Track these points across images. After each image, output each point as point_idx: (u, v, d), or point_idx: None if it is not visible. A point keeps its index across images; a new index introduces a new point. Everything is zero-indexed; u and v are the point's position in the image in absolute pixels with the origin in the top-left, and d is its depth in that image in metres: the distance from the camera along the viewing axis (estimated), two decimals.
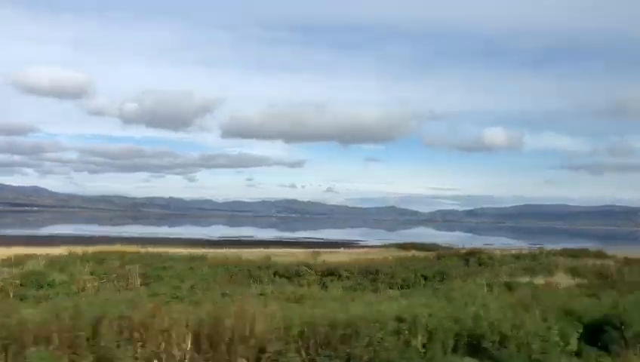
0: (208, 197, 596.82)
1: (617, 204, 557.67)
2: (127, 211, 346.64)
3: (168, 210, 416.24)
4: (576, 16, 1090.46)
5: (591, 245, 61.05)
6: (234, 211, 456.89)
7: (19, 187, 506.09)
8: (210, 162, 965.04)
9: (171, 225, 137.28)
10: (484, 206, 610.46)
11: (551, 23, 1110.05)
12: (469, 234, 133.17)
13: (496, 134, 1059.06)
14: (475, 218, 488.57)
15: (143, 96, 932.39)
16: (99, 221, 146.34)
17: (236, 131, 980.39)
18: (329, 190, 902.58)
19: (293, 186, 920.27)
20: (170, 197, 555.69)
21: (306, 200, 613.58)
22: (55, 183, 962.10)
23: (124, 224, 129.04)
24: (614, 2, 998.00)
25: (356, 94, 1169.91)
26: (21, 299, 14.41)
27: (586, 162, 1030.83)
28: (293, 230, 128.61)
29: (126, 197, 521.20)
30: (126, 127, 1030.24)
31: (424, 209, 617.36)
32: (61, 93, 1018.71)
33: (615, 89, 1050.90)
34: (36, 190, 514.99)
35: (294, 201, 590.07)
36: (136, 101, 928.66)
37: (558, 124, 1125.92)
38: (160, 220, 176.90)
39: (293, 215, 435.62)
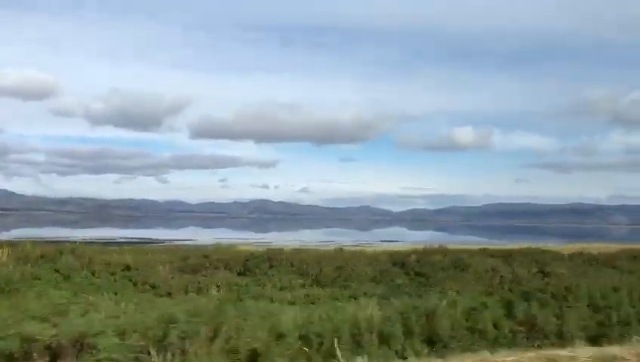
0: (181, 199, 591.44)
1: (585, 202, 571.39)
2: (95, 213, 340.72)
3: (139, 212, 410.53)
4: (546, 17, 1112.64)
5: (553, 242, 62.11)
6: (207, 212, 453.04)
7: None
8: (182, 163, 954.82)
9: (125, 226, 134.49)
10: (455, 205, 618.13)
11: (522, 24, 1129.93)
12: (439, 233, 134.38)
13: (467, 134, 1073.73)
14: (446, 217, 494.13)
15: (111, 96, 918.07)
16: (60, 223, 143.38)
17: (208, 131, 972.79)
18: (303, 190, 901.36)
19: (266, 187, 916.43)
20: (142, 199, 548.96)
21: (279, 200, 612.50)
22: (21, 185, 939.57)
23: (81, 227, 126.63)
24: (583, 4, 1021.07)
25: (331, 95, 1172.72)
26: None
27: (554, 161, 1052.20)
28: (265, 230, 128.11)
29: (96, 199, 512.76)
30: (94, 127, 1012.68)
31: (397, 208, 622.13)
32: (26, 94, 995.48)
33: (583, 89, 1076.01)
34: (2, 193, 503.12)
35: (267, 202, 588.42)
36: (104, 101, 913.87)
37: (528, 124, 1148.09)
38: (122, 222, 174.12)
39: (266, 215, 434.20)
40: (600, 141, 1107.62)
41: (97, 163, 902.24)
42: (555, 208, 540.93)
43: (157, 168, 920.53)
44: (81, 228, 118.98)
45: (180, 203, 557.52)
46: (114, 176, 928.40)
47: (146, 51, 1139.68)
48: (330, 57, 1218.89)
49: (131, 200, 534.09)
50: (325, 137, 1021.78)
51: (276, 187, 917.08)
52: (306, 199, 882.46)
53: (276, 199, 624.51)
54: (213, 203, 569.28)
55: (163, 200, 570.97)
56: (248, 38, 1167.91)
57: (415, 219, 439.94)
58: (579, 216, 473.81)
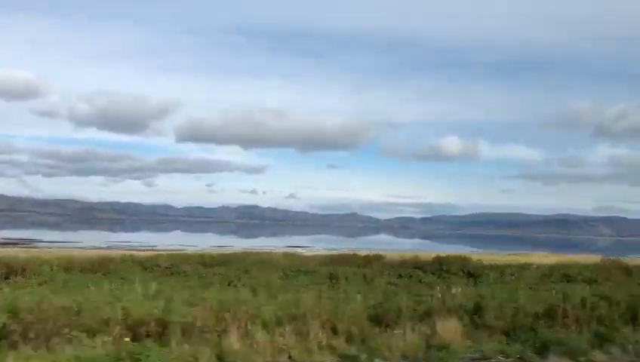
0: (167, 203, 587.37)
1: (570, 213, 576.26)
2: (78, 216, 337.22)
3: (124, 215, 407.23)
4: (534, 29, 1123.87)
5: (530, 251, 62.33)
6: (193, 217, 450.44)
7: None
8: (168, 166, 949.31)
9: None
10: (442, 214, 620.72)
11: (510, 36, 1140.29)
12: (425, 241, 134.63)
13: (453, 144, 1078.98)
14: (432, 226, 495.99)
15: (96, 98, 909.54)
16: (40, 226, 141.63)
17: (194, 135, 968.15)
18: (291, 196, 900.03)
19: (254, 192, 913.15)
20: (128, 202, 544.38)
21: (267, 206, 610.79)
22: (5, 186, 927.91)
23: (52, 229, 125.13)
24: (570, 18, 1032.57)
25: (318, 101, 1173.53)
26: None
27: (540, 172, 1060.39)
28: (251, 235, 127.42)
29: (80, 202, 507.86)
30: (78, 129, 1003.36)
31: (384, 216, 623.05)
32: (10, 94, 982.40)
33: (569, 101, 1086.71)
34: None
35: (255, 207, 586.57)
36: (88, 102, 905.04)
37: (514, 135, 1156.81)
38: (95, 225, 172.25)
39: (254, 221, 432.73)
40: (585, 153, 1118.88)
41: (82, 165, 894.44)
42: (541, 219, 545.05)
43: (143, 171, 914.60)
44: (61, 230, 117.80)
45: (166, 207, 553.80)
46: (99, 179, 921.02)
47: (132, 54, 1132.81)
48: (318, 64, 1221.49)
49: (116, 203, 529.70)
50: (312, 144, 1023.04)
51: (264, 192, 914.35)
52: (295, 205, 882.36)
53: (264, 205, 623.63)
54: (200, 207, 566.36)
55: (149, 203, 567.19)
56: (236, 42, 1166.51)
57: (401, 226, 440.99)
58: (564, 228, 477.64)
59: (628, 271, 20.86)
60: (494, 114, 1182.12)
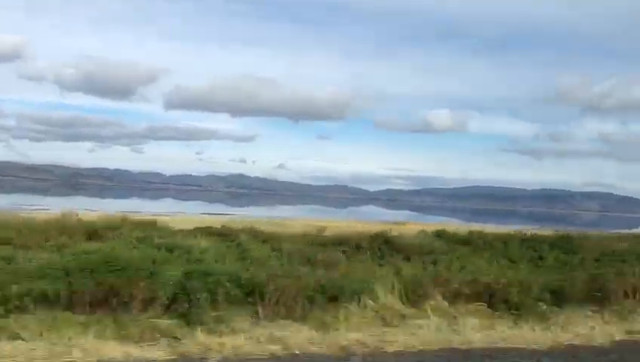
0: (156, 170, 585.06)
1: (557, 188, 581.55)
2: (65, 181, 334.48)
3: (112, 182, 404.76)
4: (527, 3, 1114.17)
5: (520, 225, 62.35)
6: (182, 185, 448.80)
7: None
8: (157, 134, 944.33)
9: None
10: (432, 186, 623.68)
11: (504, 9, 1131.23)
12: (414, 213, 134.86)
13: (444, 116, 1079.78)
14: (422, 198, 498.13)
15: (83, 63, 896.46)
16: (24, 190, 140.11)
17: (183, 103, 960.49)
18: (280, 166, 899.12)
19: (243, 161, 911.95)
20: (116, 169, 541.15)
21: (256, 175, 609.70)
22: None
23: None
24: None
25: (310, 71, 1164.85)
26: None
27: (529, 146, 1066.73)
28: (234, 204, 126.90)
29: (68, 168, 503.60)
30: (65, 93, 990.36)
31: (374, 188, 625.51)
32: None
33: (559, 76, 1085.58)
34: None
35: (244, 176, 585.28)
36: (75, 67, 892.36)
37: (504, 109, 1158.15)
38: (79, 191, 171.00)
39: (242, 190, 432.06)
40: (574, 128, 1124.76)
41: (70, 130, 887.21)
42: (528, 193, 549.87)
43: (131, 138, 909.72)
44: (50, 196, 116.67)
45: (155, 174, 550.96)
46: (88, 145, 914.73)
47: (121, 20, 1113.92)
48: (311, 33, 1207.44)
49: (105, 169, 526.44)
50: (302, 113, 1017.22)
51: (254, 162, 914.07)
52: (284, 175, 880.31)
53: (253, 174, 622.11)
54: (189, 175, 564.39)
55: (137, 170, 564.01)
56: (228, 9, 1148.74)
57: (390, 199, 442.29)
58: (551, 202, 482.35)
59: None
60: (486, 87, 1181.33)
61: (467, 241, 19.37)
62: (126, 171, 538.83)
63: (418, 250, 15.74)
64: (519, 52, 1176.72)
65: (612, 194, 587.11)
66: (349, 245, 16.06)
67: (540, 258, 15.75)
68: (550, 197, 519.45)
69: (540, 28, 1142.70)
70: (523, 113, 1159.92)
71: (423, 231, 22.53)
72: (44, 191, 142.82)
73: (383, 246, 16.52)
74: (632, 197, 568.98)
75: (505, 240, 19.67)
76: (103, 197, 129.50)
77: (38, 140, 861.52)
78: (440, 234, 21.45)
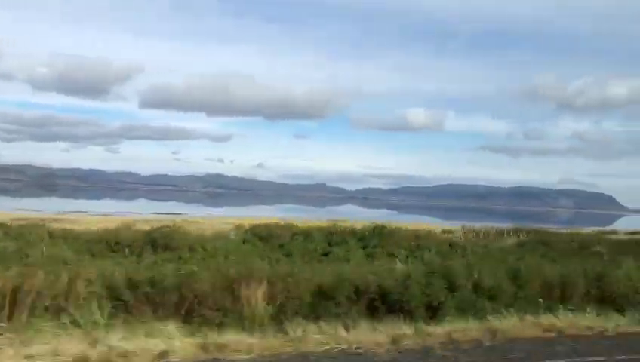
0: (132, 170, 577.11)
1: (533, 185, 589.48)
2: (39, 182, 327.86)
3: (86, 183, 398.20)
4: (505, 4, 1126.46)
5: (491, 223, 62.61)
6: (158, 185, 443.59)
7: None
8: (132, 133, 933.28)
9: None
10: (408, 185, 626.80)
11: (482, 10, 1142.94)
12: (392, 212, 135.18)
13: (421, 115, 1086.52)
14: (399, 196, 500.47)
15: (55, 61, 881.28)
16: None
17: (158, 102, 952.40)
18: (259, 166, 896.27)
19: (220, 161, 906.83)
20: (91, 169, 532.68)
21: (234, 175, 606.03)
22: None
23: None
24: None
25: (287, 70, 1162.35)
26: None
27: (504, 144, 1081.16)
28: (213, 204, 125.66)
29: (41, 168, 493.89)
30: (38, 93, 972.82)
31: (352, 187, 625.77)
32: None
33: (534, 76, 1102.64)
34: None
35: (222, 176, 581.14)
36: (48, 66, 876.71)
37: (481, 108, 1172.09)
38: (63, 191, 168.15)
39: (220, 190, 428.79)
40: (549, 126, 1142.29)
41: (43, 130, 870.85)
42: (503, 190, 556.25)
43: (106, 138, 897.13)
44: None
45: (130, 174, 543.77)
46: (61, 145, 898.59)
47: (96, 16, 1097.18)
48: (290, 31, 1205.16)
49: (79, 169, 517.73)
50: (279, 112, 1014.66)
51: (231, 161, 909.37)
52: (262, 175, 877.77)
53: (231, 174, 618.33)
54: (165, 175, 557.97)
55: (112, 170, 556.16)
56: (205, 7, 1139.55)
57: (368, 197, 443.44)
58: (526, 199, 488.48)
59: None
60: (462, 86, 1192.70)
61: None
62: (100, 171, 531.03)
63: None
64: (496, 51, 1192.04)
65: (585, 191, 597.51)
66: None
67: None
68: (525, 194, 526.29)
69: (516, 27, 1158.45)
70: (499, 111, 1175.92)
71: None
72: (16, 193, 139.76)
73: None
74: (603, 194, 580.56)
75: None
76: (76, 197, 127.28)
77: (10, 140, 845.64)
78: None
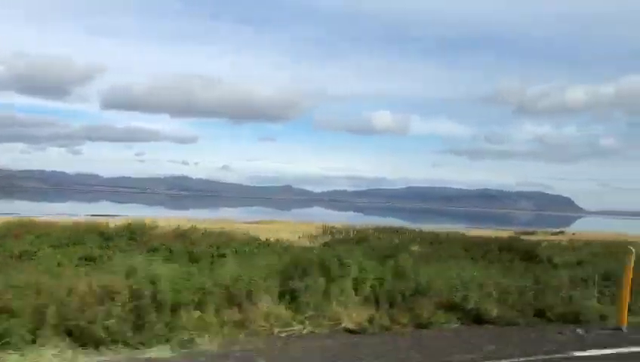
0: (94, 172, 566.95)
1: (494, 188, 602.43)
2: None
3: (47, 185, 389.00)
4: (470, 8, 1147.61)
5: (450, 225, 64.59)
6: (121, 187, 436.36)
7: None
8: (94, 134, 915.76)
9: None
10: (374, 187, 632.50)
11: (446, 13, 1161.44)
12: (358, 214, 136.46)
13: (387, 118, 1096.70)
14: (365, 199, 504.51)
15: (14, 60, 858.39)
16: None
17: (121, 102, 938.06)
18: (224, 168, 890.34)
19: (185, 163, 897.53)
20: (52, 171, 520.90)
21: (199, 177, 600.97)
22: None
23: None
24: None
25: (254, 72, 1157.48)
26: None
27: (467, 148, 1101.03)
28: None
29: (0, 170, 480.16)
30: None
31: (318, 189, 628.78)
32: None
33: (496, 80, 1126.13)
34: None
35: (187, 179, 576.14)
36: (6, 65, 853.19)
37: (445, 111, 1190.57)
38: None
39: (185, 192, 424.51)
40: (510, 130, 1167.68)
41: (2, 131, 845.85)
42: (467, 193, 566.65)
43: (67, 139, 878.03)
44: None
45: (93, 176, 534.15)
46: (21, 146, 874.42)
47: (56, 14, 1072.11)
48: (254, 33, 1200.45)
49: (40, 171, 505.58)
50: (245, 114, 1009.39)
51: (196, 164, 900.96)
52: (228, 177, 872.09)
53: (196, 176, 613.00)
54: (128, 177, 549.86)
55: (74, 172, 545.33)
56: (169, 6, 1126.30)
57: (333, 199, 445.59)
58: (488, 201, 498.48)
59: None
60: (427, 89, 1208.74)
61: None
62: (62, 173, 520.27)
63: None
64: (460, 55, 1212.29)
65: (545, 193, 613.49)
66: None
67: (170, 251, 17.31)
68: (487, 196, 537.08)
69: (480, 31, 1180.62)
70: (462, 115, 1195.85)
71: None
72: None
73: None
74: (561, 196, 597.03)
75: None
76: (36, 200, 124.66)
77: None
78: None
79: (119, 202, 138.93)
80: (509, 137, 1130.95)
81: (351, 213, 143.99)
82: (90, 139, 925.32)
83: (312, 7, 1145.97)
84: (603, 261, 12.28)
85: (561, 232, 49.94)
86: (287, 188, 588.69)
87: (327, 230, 33.63)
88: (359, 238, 26.79)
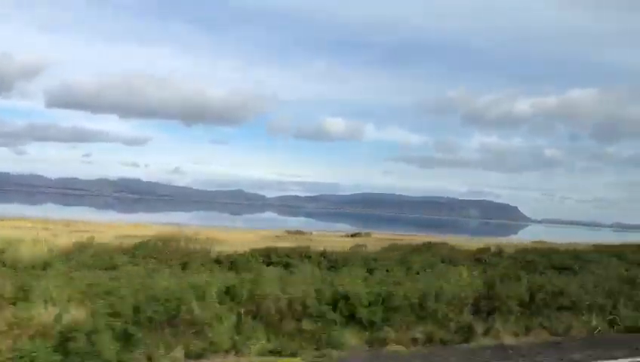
0: (39, 173, 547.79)
1: (443, 195, 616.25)
2: None
3: None
4: (426, 18, 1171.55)
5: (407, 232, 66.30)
6: (68, 189, 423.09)
7: None
8: (38, 133, 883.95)
9: None
10: (326, 193, 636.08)
11: (403, 22, 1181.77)
12: (309, 220, 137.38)
13: (339, 124, 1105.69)
14: (317, 204, 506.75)
15: None
16: None
17: (67, 101, 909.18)
18: (175, 171, 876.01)
19: (135, 165, 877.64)
20: None
21: (149, 180, 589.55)
22: None
23: None
24: (461, 9, 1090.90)
25: (207, 74, 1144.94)
26: None
27: (418, 155, 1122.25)
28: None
29: None
30: None
31: (270, 194, 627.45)
32: None
33: (447, 89, 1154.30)
34: None
35: (136, 181, 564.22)
36: None
37: (396, 119, 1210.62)
38: None
39: (134, 195, 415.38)
40: (459, 139, 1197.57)
41: None
42: (416, 200, 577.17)
43: (9, 138, 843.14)
44: None
45: (38, 177, 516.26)
46: None
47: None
48: (210, 34, 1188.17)
49: None
50: (196, 116, 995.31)
51: (146, 166, 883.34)
52: (179, 180, 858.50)
53: (146, 178, 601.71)
54: (75, 179, 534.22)
55: (17, 173, 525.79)
56: (123, 4, 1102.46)
57: (285, 205, 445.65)
58: (437, 209, 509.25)
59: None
60: (380, 97, 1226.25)
61: None
62: (5, 173, 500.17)
63: None
64: (413, 64, 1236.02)
65: (492, 201, 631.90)
66: None
67: None
68: (436, 204, 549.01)
69: (433, 41, 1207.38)
70: (414, 123, 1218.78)
71: None
72: None
73: None
74: (508, 205, 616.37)
75: None
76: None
77: None
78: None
79: (64, 204, 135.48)
80: (458, 146, 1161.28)
81: (302, 219, 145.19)
82: (34, 138, 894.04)
83: (267, 11, 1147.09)
84: None
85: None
86: (239, 193, 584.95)
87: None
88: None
